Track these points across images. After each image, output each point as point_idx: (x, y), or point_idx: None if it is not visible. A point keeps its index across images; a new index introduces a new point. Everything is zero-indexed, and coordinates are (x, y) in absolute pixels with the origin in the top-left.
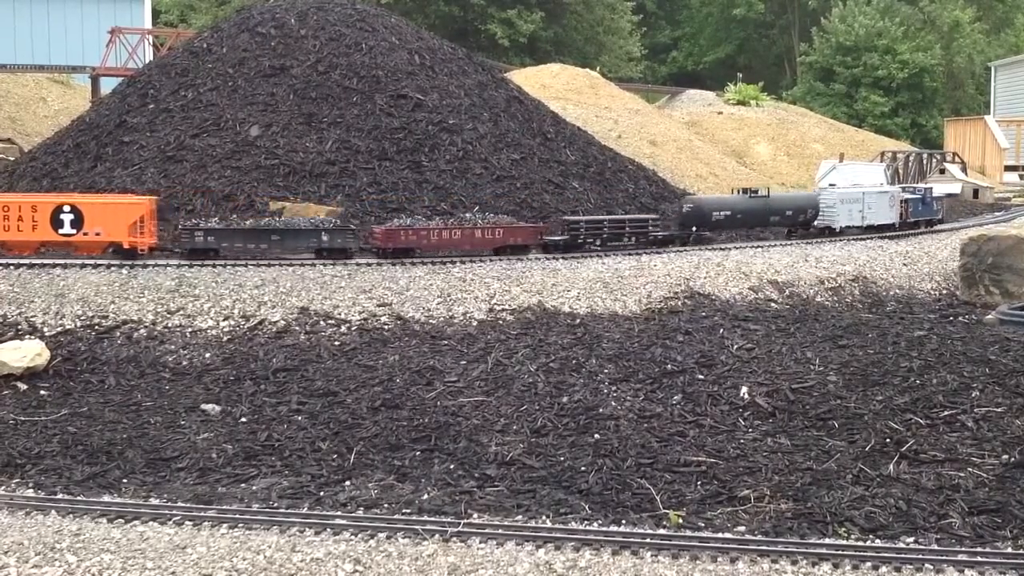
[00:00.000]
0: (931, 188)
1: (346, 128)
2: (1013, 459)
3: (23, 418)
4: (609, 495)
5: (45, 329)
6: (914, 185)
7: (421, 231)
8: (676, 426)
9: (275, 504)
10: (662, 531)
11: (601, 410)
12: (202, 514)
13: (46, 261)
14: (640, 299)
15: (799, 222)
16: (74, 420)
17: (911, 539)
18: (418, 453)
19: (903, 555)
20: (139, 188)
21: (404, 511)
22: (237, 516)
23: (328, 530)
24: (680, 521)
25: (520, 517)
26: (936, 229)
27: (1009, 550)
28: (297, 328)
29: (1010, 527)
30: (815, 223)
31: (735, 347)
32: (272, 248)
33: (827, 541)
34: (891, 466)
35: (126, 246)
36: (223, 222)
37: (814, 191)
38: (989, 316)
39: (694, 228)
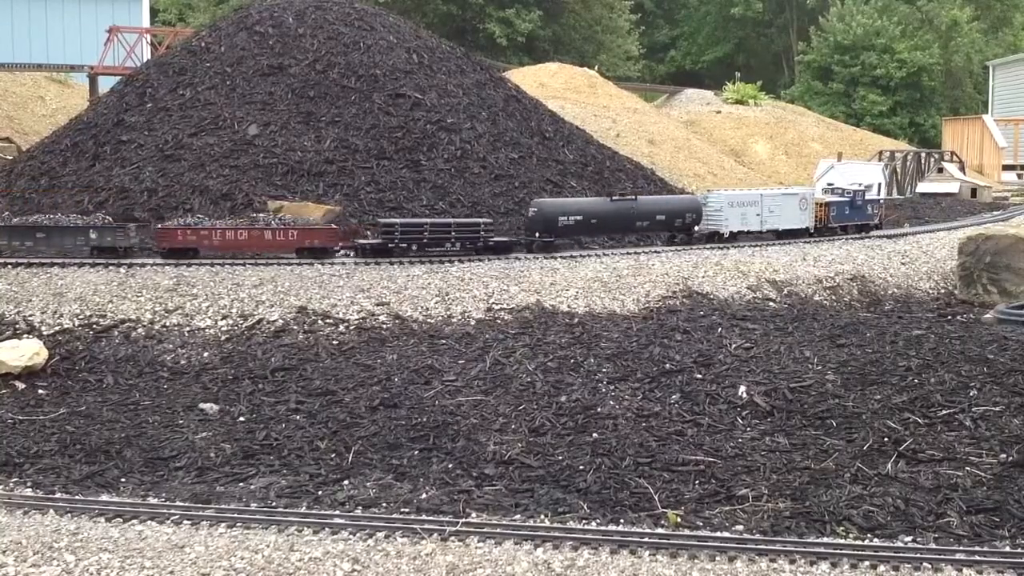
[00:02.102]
0: (864, 191)
1: (344, 127)
2: (1011, 458)
3: (21, 417)
4: (607, 494)
5: (43, 328)
6: (842, 187)
7: (201, 231)
8: (674, 425)
9: (273, 503)
10: (660, 530)
11: (599, 409)
12: (200, 513)
13: (44, 260)
14: (638, 298)
15: (677, 227)
16: (72, 419)
17: (909, 538)
18: (416, 452)
19: (901, 554)
20: (137, 187)
21: (402, 510)
22: (235, 515)
23: (326, 529)
24: (678, 520)
25: (518, 516)
26: (871, 235)
27: (1007, 549)
28: (295, 327)
29: (1008, 526)
30: (698, 228)
31: (733, 346)
32: (38, 246)
33: (825, 540)
34: (889, 465)
35: None
36: None
37: (701, 194)
38: (987, 315)
39: (537, 234)
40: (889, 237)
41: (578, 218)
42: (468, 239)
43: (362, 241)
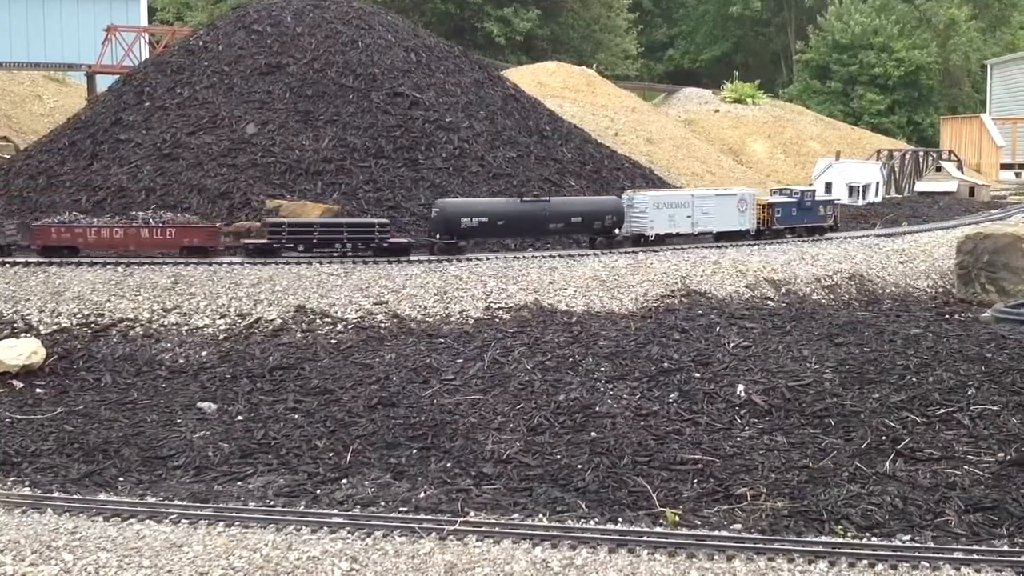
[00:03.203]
0: (814, 191)
1: (342, 126)
2: (1009, 457)
3: (19, 416)
4: (605, 493)
5: (41, 327)
6: (791, 187)
7: (76, 229)
8: (672, 424)
9: (271, 502)
10: (658, 529)
11: (597, 408)
12: (198, 512)
13: (43, 260)
14: (637, 297)
15: (596, 230)
16: (70, 418)
17: (907, 537)
18: (415, 451)
19: (899, 553)
20: (135, 186)
21: (401, 509)
22: (233, 514)
23: (325, 528)
24: (676, 519)
25: (517, 515)
26: (826, 238)
27: (1005, 548)
28: (293, 326)
29: (1006, 525)
30: (620, 231)
31: (731, 345)
32: None
33: (823, 539)
34: (887, 464)
35: None
36: None
37: (625, 196)
38: (985, 314)
39: (438, 236)
40: (888, 236)
41: (483, 220)
42: (361, 240)
43: (247, 241)
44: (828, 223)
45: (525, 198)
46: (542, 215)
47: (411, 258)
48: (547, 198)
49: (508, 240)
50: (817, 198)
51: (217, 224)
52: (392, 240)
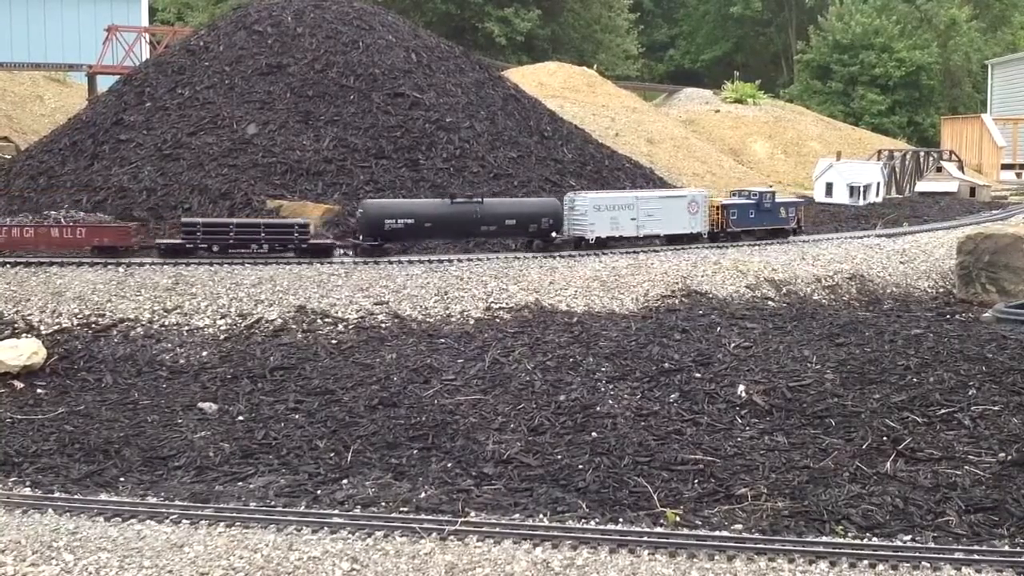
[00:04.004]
0: (774, 193)
1: (343, 126)
2: (1010, 457)
3: (20, 416)
4: (606, 493)
5: (42, 327)
6: (750, 189)
7: None
8: (673, 424)
9: (272, 503)
10: (659, 529)
11: (598, 408)
12: (199, 513)
13: (43, 260)
14: (637, 297)
15: (532, 232)
16: (71, 418)
17: (908, 537)
18: (415, 451)
19: (900, 553)
20: (135, 186)
21: (401, 509)
22: (234, 515)
23: (325, 528)
24: (677, 519)
25: (517, 515)
26: (789, 240)
27: (1006, 548)
28: (294, 326)
29: (1007, 525)
30: (558, 233)
31: (732, 345)
32: None
33: (824, 539)
34: (888, 464)
35: None
36: None
37: (566, 198)
38: (986, 314)
39: (360, 237)
40: (888, 236)
41: (408, 221)
42: (279, 240)
43: (160, 240)
44: (791, 226)
45: (456, 199)
46: (473, 217)
47: (331, 259)
48: (480, 199)
49: (436, 242)
50: (778, 200)
51: (130, 224)
52: (313, 241)
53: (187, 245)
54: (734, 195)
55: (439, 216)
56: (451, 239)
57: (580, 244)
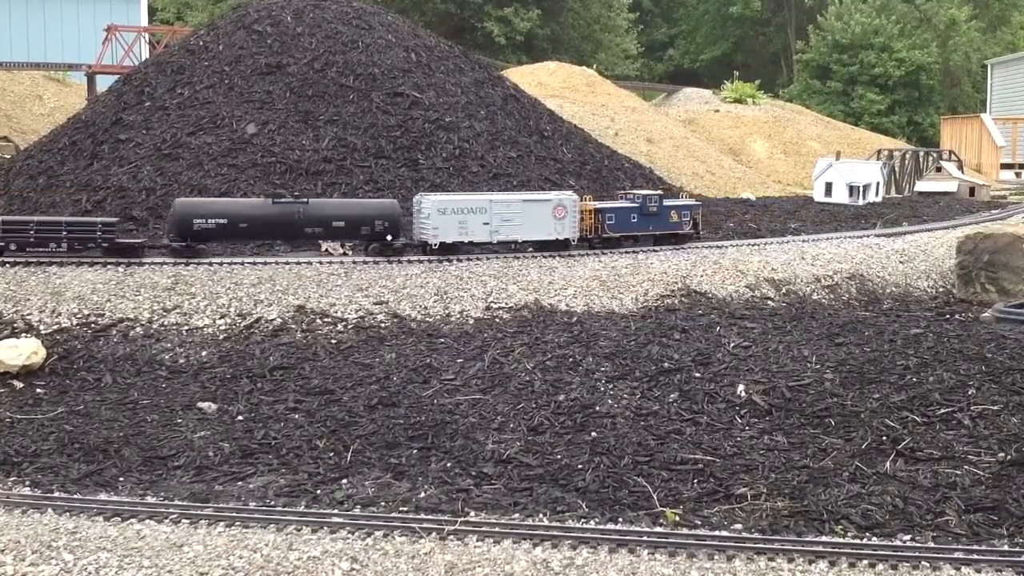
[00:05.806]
0: (662, 196)
1: (342, 126)
2: (1010, 457)
3: (19, 416)
4: (606, 493)
5: (41, 327)
6: (636, 192)
7: None
8: (673, 424)
9: (272, 502)
10: (659, 529)
11: (598, 408)
12: (199, 512)
13: (43, 259)
14: (637, 297)
15: (364, 236)
16: (70, 418)
17: (908, 537)
18: (415, 451)
19: (900, 553)
20: (135, 186)
21: (401, 509)
22: (234, 514)
23: (325, 528)
24: (677, 519)
25: (517, 515)
26: (692, 246)
27: (1005, 548)
28: (294, 326)
29: (1006, 525)
30: (396, 238)
31: (732, 345)
32: None
33: (824, 539)
34: (888, 464)
35: None
36: None
37: (415, 200)
38: (985, 314)
39: (170, 238)
40: (887, 236)
41: (221, 222)
42: (80, 239)
43: None
44: (685, 230)
45: (278, 199)
46: (296, 218)
47: (143, 259)
48: (305, 200)
49: (255, 243)
50: (668, 203)
51: None
52: (120, 240)
53: None
54: (621, 198)
55: (257, 217)
56: (271, 241)
57: (426, 249)
